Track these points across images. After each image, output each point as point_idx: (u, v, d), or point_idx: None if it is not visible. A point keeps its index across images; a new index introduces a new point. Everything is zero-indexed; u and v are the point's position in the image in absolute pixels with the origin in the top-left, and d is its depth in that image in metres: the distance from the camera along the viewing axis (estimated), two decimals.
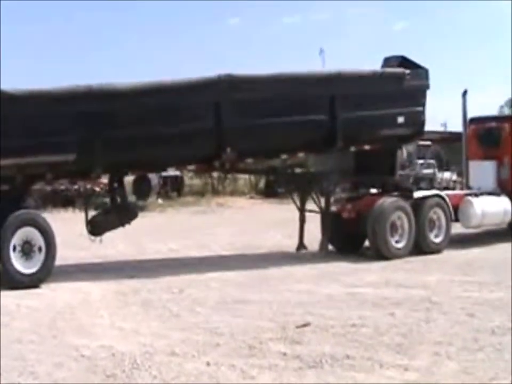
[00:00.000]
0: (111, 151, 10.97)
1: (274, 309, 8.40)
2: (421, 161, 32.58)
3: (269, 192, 30.47)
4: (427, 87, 13.85)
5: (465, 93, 16.30)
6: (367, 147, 13.59)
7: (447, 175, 23.94)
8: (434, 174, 29.61)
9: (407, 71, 13.42)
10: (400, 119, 13.34)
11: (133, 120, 11.15)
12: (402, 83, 13.34)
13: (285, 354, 6.36)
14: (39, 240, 10.45)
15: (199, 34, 76.70)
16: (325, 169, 14.29)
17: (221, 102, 11.74)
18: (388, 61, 13.97)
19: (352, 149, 13.54)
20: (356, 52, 65.99)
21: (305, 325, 7.44)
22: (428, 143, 34.59)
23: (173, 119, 11.40)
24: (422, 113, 13.83)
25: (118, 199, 12.05)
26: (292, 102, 12.27)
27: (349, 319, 7.74)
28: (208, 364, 6.13)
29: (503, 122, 16.12)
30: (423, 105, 13.84)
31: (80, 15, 71.33)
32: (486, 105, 56.50)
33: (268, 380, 5.66)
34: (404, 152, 24.29)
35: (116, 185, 12.07)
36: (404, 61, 13.73)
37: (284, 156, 13.40)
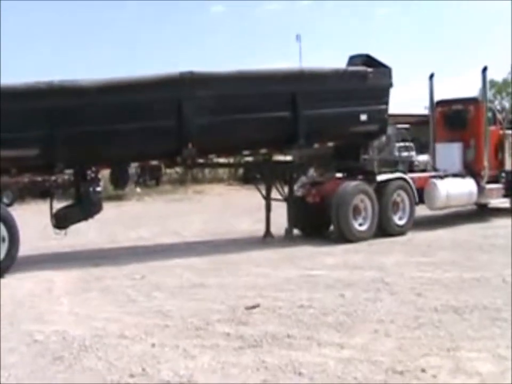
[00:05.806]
0: (73, 147, 11.16)
1: (229, 292, 8.62)
2: (399, 144, 32.95)
3: (247, 179, 30.56)
4: (390, 85, 14.06)
5: (431, 76, 16.58)
6: (330, 143, 13.85)
7: (423, 157, 24.20)
8: (411, 156, 29.99)
9: (370, 70, 13.58)
10: (363, 117, 13.51)
11: (95, 116, 11.28)
12: (365, 81, 13.51)
13: (228, 334, 6.61)
14: (2, 230, 10.63)
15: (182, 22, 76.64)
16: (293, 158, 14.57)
17: (182, 99, 11.88)
18: (352, 59, 14.13)
19: (315, 145, 13.74)
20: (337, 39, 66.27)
21: (254, 307, 7.67)
22: (406, 126, 34.95)
23: (135, 116, 11.53)
24: (385, 111, 14.04)
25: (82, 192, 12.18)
26: (253, 99, 12.36)
27: (298, 300, 7.98)
28: (153, 345, 6.38)
29: (469, 105, 16.24)
30: (386, 103, 14.04)
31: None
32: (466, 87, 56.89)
33: (207, 359, 5.90)
34: None
35: (80, 179, 12.22)
36: (368, 60, 13.89)
37: (246, 152, 13.58)
